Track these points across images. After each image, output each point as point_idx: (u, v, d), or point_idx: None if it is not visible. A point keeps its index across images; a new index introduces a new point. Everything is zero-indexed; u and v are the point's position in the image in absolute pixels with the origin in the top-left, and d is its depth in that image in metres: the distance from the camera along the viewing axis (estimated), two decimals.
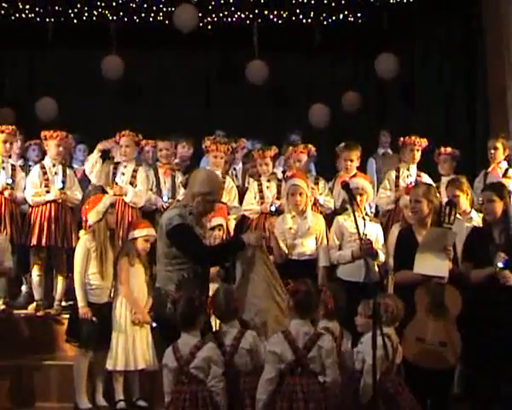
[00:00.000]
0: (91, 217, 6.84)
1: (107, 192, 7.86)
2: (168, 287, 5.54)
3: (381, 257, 7.04)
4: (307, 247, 7.09)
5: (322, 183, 8.11)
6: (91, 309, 6.67)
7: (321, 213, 7.70)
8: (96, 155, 8.11)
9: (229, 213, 8.03)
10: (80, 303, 6.68)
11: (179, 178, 8.32)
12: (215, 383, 4.93)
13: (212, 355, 4.98)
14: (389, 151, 10.53)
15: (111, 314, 6.81)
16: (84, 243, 6.82)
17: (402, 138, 8.39)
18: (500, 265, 5.82)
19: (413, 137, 8.28)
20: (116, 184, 8.02)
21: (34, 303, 7.81)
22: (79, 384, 6.70)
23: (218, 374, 4.96)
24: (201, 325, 5.13)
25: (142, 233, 6.93)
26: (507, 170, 8.17)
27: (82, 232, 7.01)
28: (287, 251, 7.05)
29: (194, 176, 5.88)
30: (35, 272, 7.79)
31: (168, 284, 5.56)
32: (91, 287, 6.75)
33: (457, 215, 6.12)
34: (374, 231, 7.02)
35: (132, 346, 6.68)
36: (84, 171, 8.68)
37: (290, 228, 7.08)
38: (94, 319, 6.64)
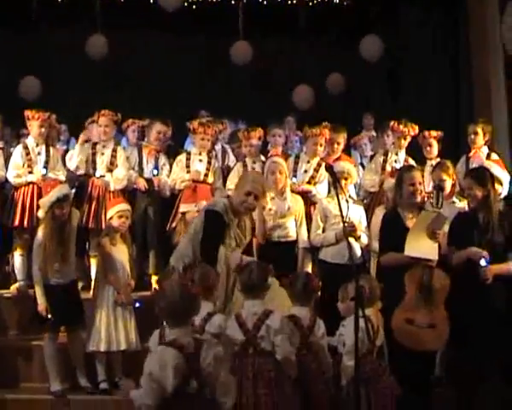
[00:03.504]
0: (41, 207, 6.83)
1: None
2: (178, 264, 5.86)
3: (364, 239, 7.07)
4: (287, 228, 7.11)
5: (323, 169, 7.85)
6: (57, 289, 6.64)
7: (312, 202, 7.68)
8: (79, 151, 8.11)
9: (213, 195, 8.04)
10: (39, 300, 6.64)
11: (162, 160, 8.31)
12: None
13: None
14: (373, 134, 10.54)
15: (78, 292, 6.90)
16: (37, 241, 6.73)
17: (392, 123, 8.38)
18: (483, 263, 5.85)
19: (401, 126, 8.25)
20: (97, 177, 7.98)
21: (17, 284, 7.78)
22: (50, 367, 6.66)
23: None
24: (195, 314, 4.99)
25: (115, 210, 6.89)
26: (489, 154, 8.20)
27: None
28: (267, 232, 7.05)
29: (242, 175, 6.37)
30: (17, 253, 7.76)
31: (179, 261, 5.88)
32: (54, 271, 6.68)
33: None
34: (357, 214, 7.05)
35: (115, 327, 6.65)
36: (64, 151, 8.70)
37: (270, 209, 7.09)
38: (49, 316, 6.59)
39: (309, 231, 7.23)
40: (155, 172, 8.17)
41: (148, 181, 8.15)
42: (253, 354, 5.01)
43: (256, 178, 6.22)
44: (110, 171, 8.03)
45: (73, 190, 8.01)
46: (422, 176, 6.44)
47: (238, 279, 5.24)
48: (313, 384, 5.27)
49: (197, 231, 6.06)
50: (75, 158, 8.10)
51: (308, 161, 7.96)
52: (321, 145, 7.94)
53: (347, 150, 8.51)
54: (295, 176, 7.89)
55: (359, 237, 6.97)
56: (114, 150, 8.13)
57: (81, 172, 8.10)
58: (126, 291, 6.76)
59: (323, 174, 7.82)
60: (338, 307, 5.51)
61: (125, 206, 6.97)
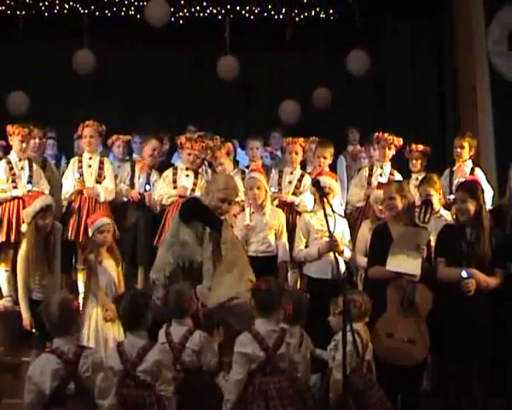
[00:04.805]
0: (25, 218, 6.82)
1: None
2: (160, 275, 5.87)
3: (347, 253, 7.07)
4: (266, 243, 7.11)
5: (306, 179, 8.02)
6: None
7: (298, 213, 7.69)
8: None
9: None
10: (24, 315, 6.64)
11: (154, 176, 8.30)
12: (165, 387, 4.82)
13: (163, 359, 4.87)
14: (358, 148, 10.54)
15: None
16: (21, 254, 6.74)
17: (376, 134, 8.41)
18: (464, 274, 5.84)
19: (386, 134, 8.29)
20: (88, 188, 7.99)
21: (2, 299, 7.74)
22: None
23: (168, 378, 4.86)
24: (148, 324, 5.00)
25: (96, 226, 6.84)
26: (473, 169, 8.23)
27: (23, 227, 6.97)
28: (245, 247, 7.05)
29: (212, 181, 6.37)
30: (2, 269, 7.71)
31: (160, 272, 5.90)
32: (37, 286, 6.70)
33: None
34: (340, 228, 7.05)
35: (104, 343, 6.58)
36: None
37: (247, 225, 7.10)
38: (34, 330, 6.58)
39: (293, 243, 7.23)
40: (147, 187, 8.16)
41: (139, 196, 8.14)
42: (271, 373, 4.91)
43: (228, 184, 6.22)
44: (99, 183, 8.05)
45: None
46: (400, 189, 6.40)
47: (253, 298, 5.11)
48: (308, 399, 5.25)
49: (174, 234, 6.05)
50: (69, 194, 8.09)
51: (291, 172, 8.02)
52: (296, 153, 8.06)
53: (332, 162, 8.51)
54: (280, 190, 7.94)
55: (342, 252, 6.98)
56: (101, 162, 8.15)
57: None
58: (114, 307, 6.70)
59: (307, 184, 7.87)
60: (330, 321, 5.50)
61: (104, 220, 6.91)
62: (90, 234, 6.92)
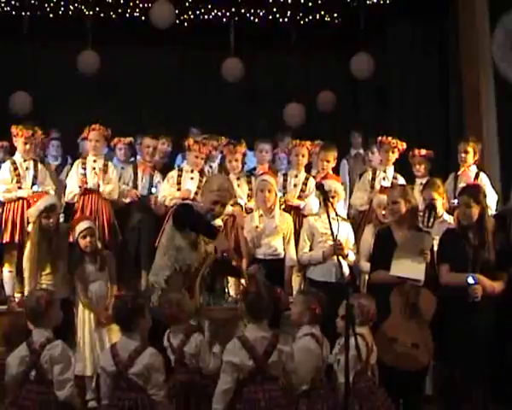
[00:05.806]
0: (29, 218, 6.82)
1: None
2: (159, 278, 5.82)
3: (352, 257, 7.06)
4: (274, 246, 7.11)
5: (311, 182, 8.05)
6: None
7: (304, 216, 7.68)
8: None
9: None
10: None
11: (157, 177, 8.29)
12: (156, 391, 4.76)
13: (153, 362, 4.79)
14: (361, 152, 10.54)
15: (68, 311, 6.69)
16: (26, 254, 6.76)
17: (379, 137, 8.40)
18: (471, 281, 5.84)
19: (389, 138, 8.28)
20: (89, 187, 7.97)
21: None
22: None
23: (159, 382, 4.80)
24: (143, 326, 4.93)
25: (77, 231, 6.77)
26: (477, 173, 8.21)
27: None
28: (253, 250, 7.06)
29: (207, 181, 6.26)
30: (6, 269, 7.70)
31: (158, 275, 5.83)
32: (41, 285, 6.69)
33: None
34: (344, 232, 7.05)
35: (100, 348, 6.51)
36: (56, 166, 8.69)
37: (256, 226, 7.09)
38: None
39: (298, 247, 7.23)
40: (154, 190, 8.14)
41: (143, 197, 8.13)
42: (262, 382, 4.71)
43: (222, 186, 6.04)
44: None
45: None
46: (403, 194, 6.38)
47: (243, 303, 4.93)
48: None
49: (170, 238, 5.98)
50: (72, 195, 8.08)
51: (296, 175, 8.02)
52: (303, 156, 8.08)
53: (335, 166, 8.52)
54: (285, 192, 7.94)
55: (347, 255, 6.97)
56: (105, 165, 8.14)
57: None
58: (104, 312, 6.62)
59: (312, 186, 7.88)
60: (337, 323, 5.46)
61: (85, 224, 6.81)
62: (74, 240, 6.83)
